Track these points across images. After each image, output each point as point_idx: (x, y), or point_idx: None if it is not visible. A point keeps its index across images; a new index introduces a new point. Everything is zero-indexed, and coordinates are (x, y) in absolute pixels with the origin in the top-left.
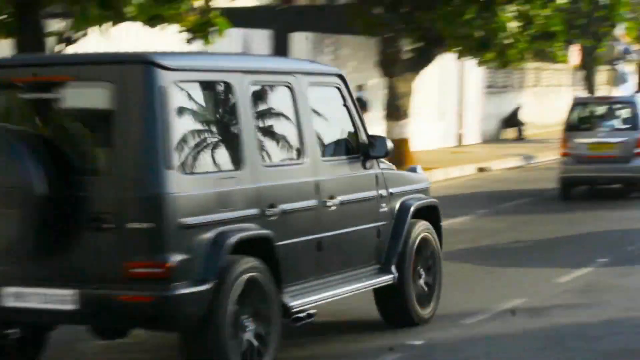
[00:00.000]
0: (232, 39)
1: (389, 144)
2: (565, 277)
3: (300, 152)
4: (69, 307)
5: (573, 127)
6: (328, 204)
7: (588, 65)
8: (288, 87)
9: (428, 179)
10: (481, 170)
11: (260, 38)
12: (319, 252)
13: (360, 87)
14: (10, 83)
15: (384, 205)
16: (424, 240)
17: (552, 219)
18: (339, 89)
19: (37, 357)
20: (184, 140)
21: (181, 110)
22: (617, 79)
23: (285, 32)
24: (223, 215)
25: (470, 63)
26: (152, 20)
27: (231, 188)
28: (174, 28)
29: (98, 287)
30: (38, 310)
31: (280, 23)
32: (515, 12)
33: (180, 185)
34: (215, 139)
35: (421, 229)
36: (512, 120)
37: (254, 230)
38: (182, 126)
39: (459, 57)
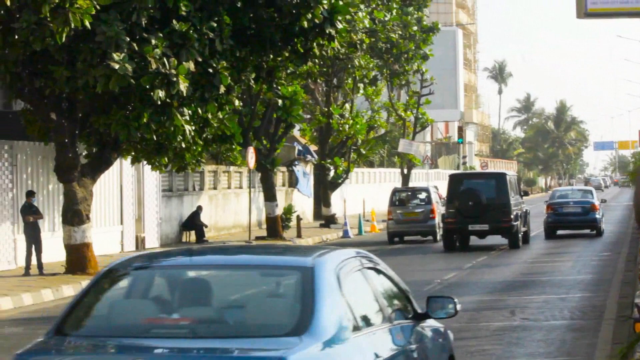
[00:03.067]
0: None
1: None
2: None
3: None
4: None
5: (393, 204)
6: None
7: (265, 167)
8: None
9: None
10: None
11: None
12: None
13: (30, 194)
14: None
15: None
16: None
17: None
18: None
19: None
20: None
21: None
22: (296, 179)
23: None
24: None
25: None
26: None
27: None
28: None
29: None
30: None
31: None
32: (190, 115)
33: None
34: None
35: None
36: (191, 223)
37: None
38: None
39: (133, 162)
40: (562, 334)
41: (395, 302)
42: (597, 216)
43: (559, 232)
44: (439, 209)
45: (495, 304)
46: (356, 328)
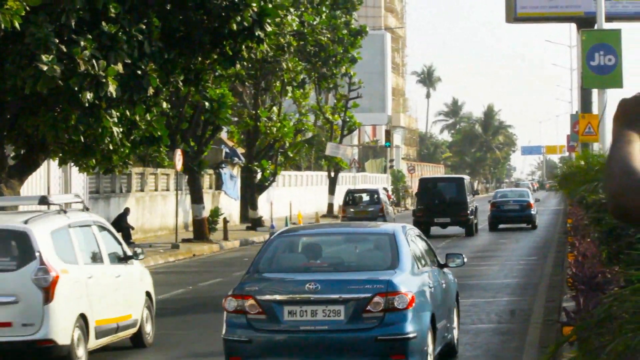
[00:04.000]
0: None
1: None
2: None
3: None
4: None
5: (347, 203)
6: None
7: (192, 169)
8: None
9: None
10: None
11: None
12: None
13: None
14: None
15: None
16: None
17: None
18: None
19: None
20: None
21: None
22: (223, 181)
23: None
24: None
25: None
26: None
27: None
28: None
29: None
30: None
31: None
32: (118, 117)
33: None
34: None
35: None
36: (119, 225)
37: None
38: None
39: (61, 164)
40: (489, 337)
41: (431, 255)
42: (533, 212)
43: (500, 225)
44: (387, 208)
45: None
46: (417, 267)
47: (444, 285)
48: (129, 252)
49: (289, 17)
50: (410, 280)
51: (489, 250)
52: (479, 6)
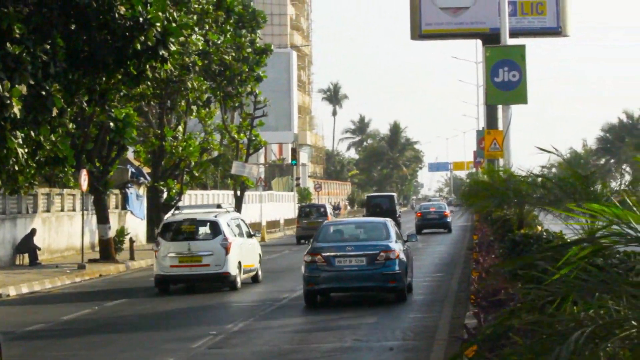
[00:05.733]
0: None
1: None
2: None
3: None
4: None
5: (300, 215)
6: None
7: (97, 190)
8: None
9: None
10: None
11: None
12: None
13: None
14: None
15: None
16: None
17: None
18: None
19: None
20: None
21: None
22: (129, 201)
23: None
24: None
25: None
26: None
27: None
28: None
29: None
30: None
31: None
32: (23, 138)
33: None
34: None
35: None
36: (25, 246)
37: None
38: None
39: None
40: (393, 355)
41: (401, 236)
42: (448, 220)
43: (425, 230)
44: (334, 219)
45: (328, 325)
46: (397, 240)
47: (408, 250)
48: (252, 232)
49: (194, 36)
50: (396, 245)
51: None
52: (385, 23)
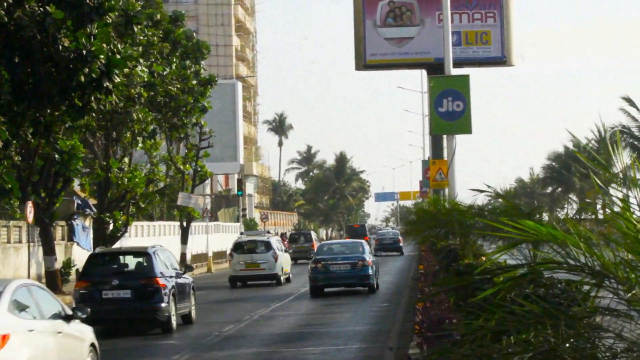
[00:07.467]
0: None
1: None
2: None
3: None
4: None
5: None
6: None
7: (43, 221)
8: None
9: None
10: None
11: None
12: None
13: None
14: None
15: None
16: None
17: None
18: None
19: None
20: None
21: None
22: (75, 233)
23: None
24: None
25: None
26: None
27: None
28: None
29: None
30: None
31: None
32: None
33: None
34: None
35: None
36: None
37: None
38: None
39: None
40: None
41: (370, 250)
42: (401, 245)
43: (382, 253)
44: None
45: (271, 357)
46: (369, 254)
47: (376, 260)
48: (285, 249)
49: (139, 68)
50: (369, 257)
51: (343, 296)
52: (330, 54)
